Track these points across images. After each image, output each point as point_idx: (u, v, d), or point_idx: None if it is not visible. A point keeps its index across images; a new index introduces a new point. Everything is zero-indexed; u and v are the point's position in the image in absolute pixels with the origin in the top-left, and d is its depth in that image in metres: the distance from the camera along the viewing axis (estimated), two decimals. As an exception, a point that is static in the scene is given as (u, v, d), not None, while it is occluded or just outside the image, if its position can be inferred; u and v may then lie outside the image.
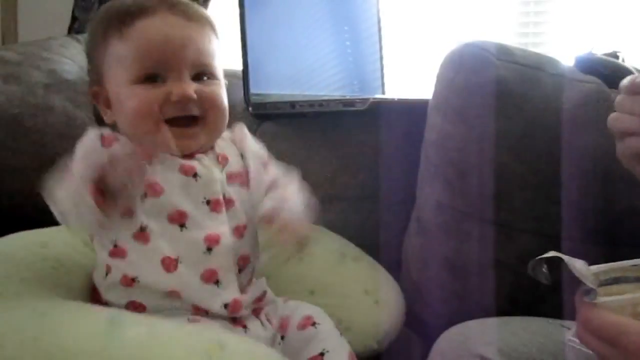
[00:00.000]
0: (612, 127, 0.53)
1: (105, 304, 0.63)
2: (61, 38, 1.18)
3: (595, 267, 0.45)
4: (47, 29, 1.28)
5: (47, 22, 1.37)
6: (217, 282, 0.63)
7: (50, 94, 1.00)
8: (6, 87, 0.98)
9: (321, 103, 0.97)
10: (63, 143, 0.97)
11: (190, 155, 0.65)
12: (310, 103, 0.97)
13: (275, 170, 0.71)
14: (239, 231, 0.66)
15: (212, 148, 0.68)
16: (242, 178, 0.68)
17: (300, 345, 0.65)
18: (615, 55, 0.88)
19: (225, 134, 0.70)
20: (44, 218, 0.78)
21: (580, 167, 0.77)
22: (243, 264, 0.66)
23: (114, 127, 0.67)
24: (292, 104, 0.97)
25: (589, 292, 0.43)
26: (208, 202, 0.64)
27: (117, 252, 0.62)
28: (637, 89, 0.51)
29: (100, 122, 1.08)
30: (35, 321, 0.51)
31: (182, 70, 0.62)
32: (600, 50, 0.89)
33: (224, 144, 0.69)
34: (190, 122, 0.64)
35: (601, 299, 0.43)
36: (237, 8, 0.98)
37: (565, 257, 0.44)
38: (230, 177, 0.67)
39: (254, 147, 0.71)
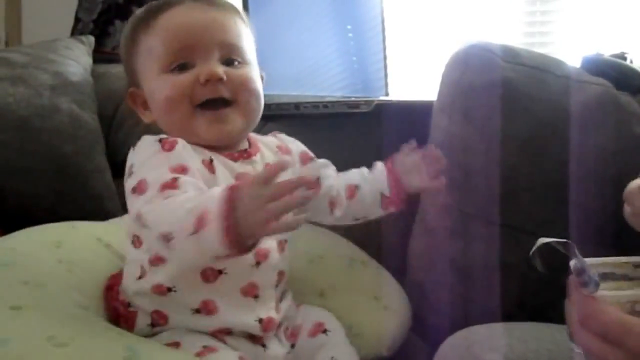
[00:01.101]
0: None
1: (128, 304, 0.62)
2: (66, 39, 1.18)
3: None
4: (50, 31, 1.28)
5: (50, 23, 1.37)
6: (255, 297, 0.62)
7: (56, 95, 1.00)
8: (14, 89, 0.98)
9: (326, 104, 0.97)
10: (69, 144, 0.98)
11: (246, 156, 0.63)
12: (315, 104, 0.97)
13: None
14: (281, 245, 0.65)
15: (258, 151, 0.65)
16: None
17: (310, 353, 0.64)
18: (622, 56, 0.87)
19: (272, 140, 0.69)
20: (50, 218, 0.78)
21: (588, 169, 0.77)
22: (280, 279, 0.65)
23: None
24: (297, 105, 0.97)
25: (587, 283, 0.39)
26: None
27: (159, 258, 0.60)
28: None
29: (104, 123, 1.09)
30: (51, 356, 0.50)
31: (209, 52, 0.61)
32: (607, 51, 0.89)
33: (268, 152, 0.67)
34: (222, 105, 0.62)
35: (602, 293, 0.39)
36: (241, 9, 0.97)
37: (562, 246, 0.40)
38: None
39: (302, 147, 0.71)
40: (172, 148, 0.57)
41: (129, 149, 0.62)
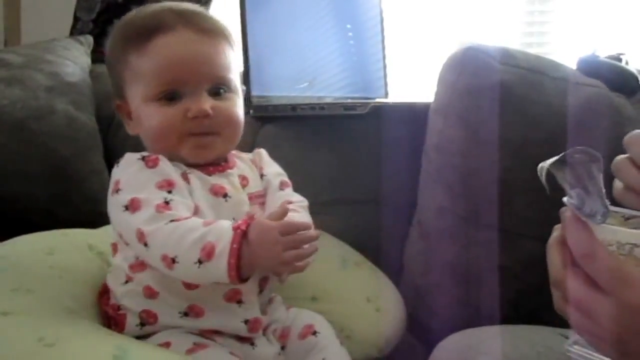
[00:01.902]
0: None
1: (118, 307, 0.63)
2: (64, 40, 1.18)
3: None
4: (49, 30, 1.28)
5: (49, 23, 1.37)
6: (239, 302, 0.63)
7: (52, 96, 1.00)
8: (9, 90, 0.98)
9: (322, 106, 0.96)
10: (65, 146, 0.97)
11: (221, 169, 0.65)
12: (312, 106, 0.97)
13: (291, 193, 0.71)
14: None
15: (234, 165, 0.68)
16: (261, 199, 0.68)
17: (300, 355, 0.65)
18: (618, 58, 0.87)
19: (246, 155, 0.71)
20: (47, 221, 0.79)
21: (584, 171, 0.76)
22: (264, 285, 0.66)
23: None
24: (294, 107, 0.97)
25: (595, 213, 0.36)
26: None
27: (139, 265, 0.61)
28: None
29: (103, 123, 1.09)
30: (41, 356, 0.50)
31: (199, 86, 0.62)
32: (603, 52, 0.89)
33: (244, 165, 0.69)
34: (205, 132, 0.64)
35: (606, 226, 0.36)
36: (238, 9, 0.97)
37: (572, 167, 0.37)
38: (251, 198, 0.67)
39: (275, 167, 0.72)
40: (155, 165, 0.61)
41: (127, 150, 0.63)
